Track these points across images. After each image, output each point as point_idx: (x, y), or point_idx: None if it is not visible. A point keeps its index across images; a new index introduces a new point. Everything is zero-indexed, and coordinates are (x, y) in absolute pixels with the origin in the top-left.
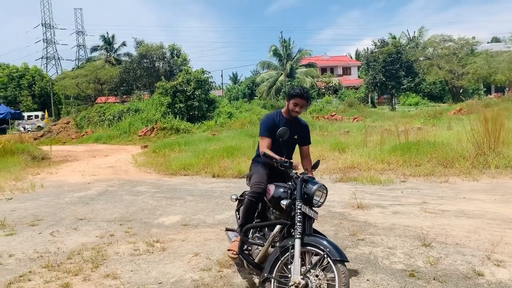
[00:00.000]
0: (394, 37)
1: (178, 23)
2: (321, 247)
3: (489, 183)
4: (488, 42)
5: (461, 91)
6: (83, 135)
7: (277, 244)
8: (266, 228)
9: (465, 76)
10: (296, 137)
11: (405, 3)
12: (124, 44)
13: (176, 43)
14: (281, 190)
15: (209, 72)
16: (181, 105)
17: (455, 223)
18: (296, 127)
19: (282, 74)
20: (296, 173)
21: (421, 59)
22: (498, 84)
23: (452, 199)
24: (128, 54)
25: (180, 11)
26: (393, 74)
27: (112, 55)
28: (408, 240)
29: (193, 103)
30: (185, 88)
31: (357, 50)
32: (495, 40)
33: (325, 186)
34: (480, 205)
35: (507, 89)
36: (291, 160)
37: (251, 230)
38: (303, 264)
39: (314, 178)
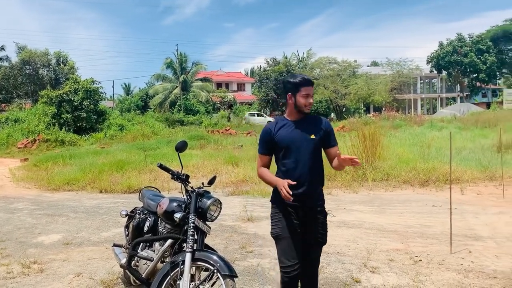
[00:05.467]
0: (286, 57)
1: (66, 30)
2: (212, 262)
3: (367, 195)
4: (368, 66)
5: (344, 110)
6: None
7: (167, 260)
8: (157, 243)
9: (347, 96)
10: (313, 136)
11: (296, 25)
12: (2, 48)
13: (63, 50)
14: (175, 204)
15: (99, 82)
16: (68, 115)
17: (337, 233)
18: (312, 125)
19: (177, 87)
20: (192, 187)
21: None
22: (376, 104)
23: (334, 210)
24: (7, 59)
25: (68, 17)
26: None
27: None
28: None
29: (80, 113)
30: (73, 98)
31: (252, 68)
32: (374, 64)
33: (219, 201)
34: (358, 216)
35: (383, 109)
36: (187, 173)
37: (141, 244)
38: (192, 279)
39: (209, 193)
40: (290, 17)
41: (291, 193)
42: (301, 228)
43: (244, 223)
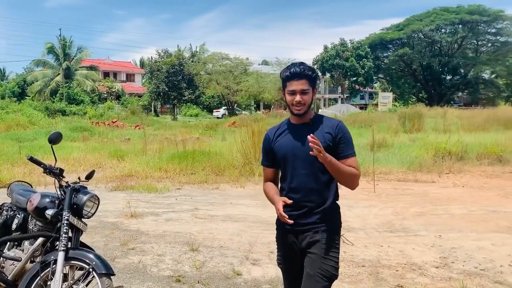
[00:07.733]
0: (179, 50)
1: None
2: (87, 261)
3: (253, 189)
4: (259, 64)
5: (235, 106)
6: None
7: (38, 259)
8: (27, 242)
9: (239, 92)
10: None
11: (189, 18)
12: None
13: None
14: (47, 200)
15: None
16: None
17: (222, 227)
18: (317, 129)
19: (59, 74)
20: (67, 182)
21: (202, 73)
22: (265, 102)
23: (221, 205)
24: None
25: None
26: (176, 85)
27: None
28: (178, 246)
29: None
30: None
31: (142, 58)
32: (265, 63)
33: (97, 196)
34: (244, 210)
35: (273, 106)
36: (61, 167)
37: (8, 243)
38: (65, 279)
39: (86, 188)
40: (183, 9)
41: (287, 217)
42: (302, 258)
43: (126, 220)
